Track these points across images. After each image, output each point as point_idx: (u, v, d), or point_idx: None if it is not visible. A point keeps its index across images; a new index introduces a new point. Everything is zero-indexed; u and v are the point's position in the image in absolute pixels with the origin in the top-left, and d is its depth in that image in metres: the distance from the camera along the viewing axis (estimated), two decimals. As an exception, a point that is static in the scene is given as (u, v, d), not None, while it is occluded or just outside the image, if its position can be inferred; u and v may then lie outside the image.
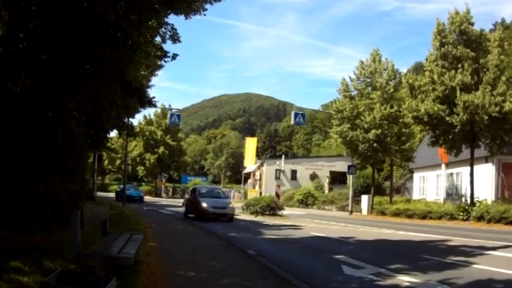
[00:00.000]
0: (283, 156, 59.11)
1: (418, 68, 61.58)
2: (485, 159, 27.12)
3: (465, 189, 27.41)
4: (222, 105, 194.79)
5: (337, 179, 48.37)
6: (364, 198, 33.25)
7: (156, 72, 21.54)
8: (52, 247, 7.72)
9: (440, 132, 24.04)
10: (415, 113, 23.87)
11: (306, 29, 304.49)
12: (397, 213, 27.41)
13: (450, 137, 23.41)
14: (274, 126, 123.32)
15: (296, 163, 54.00)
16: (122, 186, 38.65)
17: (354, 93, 31.84)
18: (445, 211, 24.42)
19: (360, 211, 32.99)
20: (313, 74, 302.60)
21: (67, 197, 11.15)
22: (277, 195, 29.19)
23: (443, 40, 23.76)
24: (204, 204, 21.47)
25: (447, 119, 22.63)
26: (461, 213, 23.00)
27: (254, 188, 56.15)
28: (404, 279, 7.72)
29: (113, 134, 34.81)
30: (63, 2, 9.12)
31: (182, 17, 10.88)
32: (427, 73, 24.40)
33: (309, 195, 42.48)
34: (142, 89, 21.39)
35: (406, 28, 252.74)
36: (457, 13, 23.95)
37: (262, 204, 26.28)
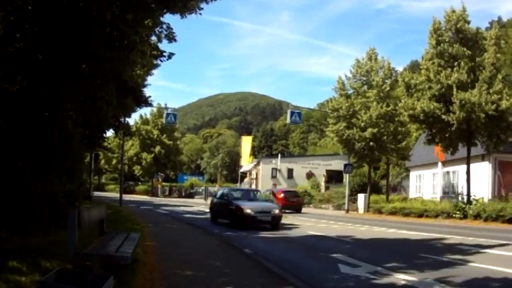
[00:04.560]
0: (279, 155, 59.07)
1: (414, 66, 61.58)
2: (482, 158, 27.16)
3: (462, 187, 27.50)
4: (218, 104, 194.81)
5: (333, 177, 48.37)
6: (361, 197, 33.26)
7: (152, 72, 21.58)
8: (50, 247, 7.73)
9: (437, 130, 24.08)
10: (411, 112, 23.89)
11: (301, 27, 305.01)
12: (393, 212, 27.48)
13: (446, 135, 23.44)
14: (270, 125, 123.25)
15: (292, 162, 53.96)
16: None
17: (350, 91, 31.88)
18: (442, 209, 24.45)
19: (357, 210, 33.01)
20: (309, 72, 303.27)
21: (64, 197, 11.15)
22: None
23: (440, 38, 23.79)
24: None
25: (443, 117, 22.65)
26: (458, 212, 23.03)
27: (250, 186, 56.12)
28: (401, 277, 7.74)
29: (110, 133, 35.00)
30: (59, 2, 9.11)
31: (178, 16, 10.89)
32: (423, 71, 24.44)
33: (306, 194, 42.43)
34: (138, 88, 21.38)
35: (402, 26, 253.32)
36: (453, 11, 24.00)
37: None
